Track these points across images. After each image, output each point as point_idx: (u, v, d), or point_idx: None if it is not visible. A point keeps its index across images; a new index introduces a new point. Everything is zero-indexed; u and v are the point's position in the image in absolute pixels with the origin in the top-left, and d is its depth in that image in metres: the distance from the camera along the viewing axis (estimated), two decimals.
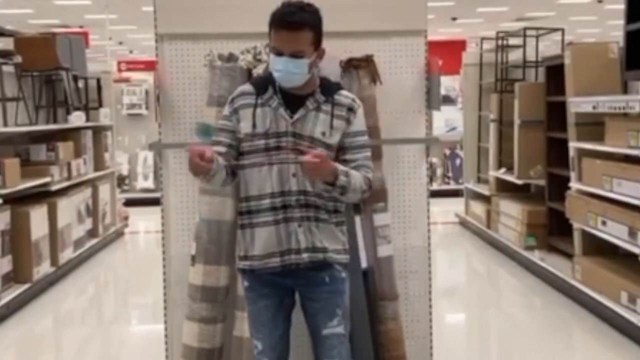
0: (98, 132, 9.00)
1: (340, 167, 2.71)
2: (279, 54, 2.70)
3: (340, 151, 2.80)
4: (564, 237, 6.71)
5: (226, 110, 2.86)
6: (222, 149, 2.79)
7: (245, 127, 2.77)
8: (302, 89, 2.76)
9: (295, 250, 2.76)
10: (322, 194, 2.76)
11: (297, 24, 2.67)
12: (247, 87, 2.85)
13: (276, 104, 2.76)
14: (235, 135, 2.80)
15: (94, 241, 8.37)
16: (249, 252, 2.80)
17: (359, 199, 2.89)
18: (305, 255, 2.76)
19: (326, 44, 2.82)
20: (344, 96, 2.84)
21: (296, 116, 2.75)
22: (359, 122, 2.84)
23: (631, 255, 5.22)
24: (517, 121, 7.65)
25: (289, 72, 2.70)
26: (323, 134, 2.76)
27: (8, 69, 7.07)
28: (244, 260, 2.83)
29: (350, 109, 2.81)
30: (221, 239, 3.61)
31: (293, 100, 2.76)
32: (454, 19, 18.79)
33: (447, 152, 12.68)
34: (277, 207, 2.74)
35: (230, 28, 3.73)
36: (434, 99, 3.81)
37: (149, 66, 13.51)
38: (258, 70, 3.58)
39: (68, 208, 7.43)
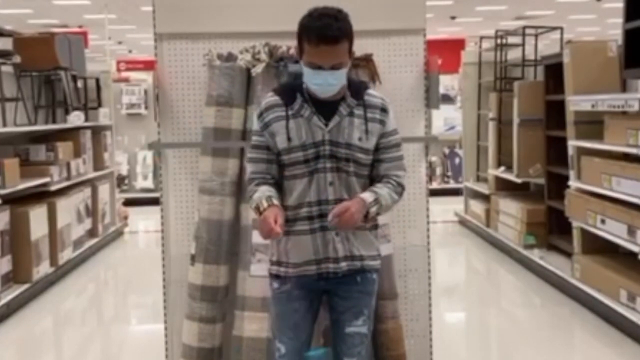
0: (97, 132, 9.00)
1: (368, 198, 2.69)
2: (318, 67, 2.64)
3: (375, 151, 2.78)
4: (563, 236, 6.72)
5: (256, 125, 2.80)
6: (263, 166, 2.76)
7: (280, 141, 2.72)
8: (335, 94, 2.73)
9: (333, 259, 2.74)
10: None
11: (337, 38, 2.61)
12: (274, 98, 2.77)
13: (309, 114, 2.71)
14: (270, 150, 2.76)
15: (93, 241, 8.36)
16: (283, 259, 2.78)
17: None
18: (343, 264, 2.75)
19: None
20: (373, 96, 2.81)
21: (331, 124, 2.71)
22: (392, 121, 2.82)
23: (630, 254, 5.22)
24: (516, 120, 7.65)
25: (328, 84, 2.66)
26: (360, 139, 2.72)
27: (7, 69, 7.08)
28: (277, 265, 2.80)
29: (383, 110, 2.79)
30: (221, 239, 3.61)
31: (324, 107, 2.72)
32: (453, 17, 18.78)
33: (447, 151, 12.68)
34: (313, 216, 2.72)
35: (229, 27, 3.73)
36: (433, 98, 3.81)
37: (148, 66, 13.49)
38: (257, 70, 3.58)
39: (67, 208, 7.43)
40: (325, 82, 2.66)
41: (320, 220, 2.72)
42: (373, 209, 2.70)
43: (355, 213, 2.63)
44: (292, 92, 2.76)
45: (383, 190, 2.74)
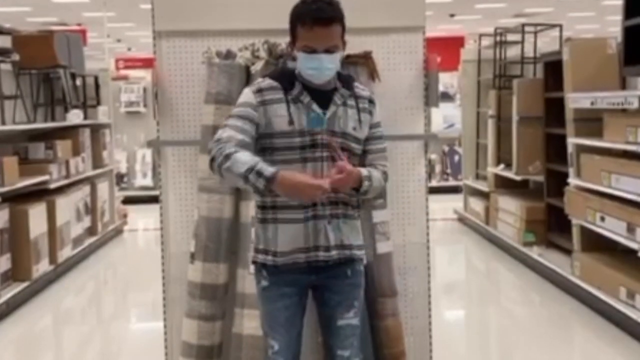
0: (96, 130, 8.99)
1: (363, 171, 2.73)
2: (312, 51, 2.66)
3: (364, 142, 2.82)
4: (562, 233, 6.72)
5: (251, 98, 2.71)
6: (249, 142, 2.68)
7: (279, 123, 2.69)
8: (328, 84, 2.75)
9: (324, 248, 2.74)
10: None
11: (330, 20, 2.65)
12: (272, 81, 2.76)
13: (308, 101, 2.72)
14: (257, 128, 2.71)
15: (92, 239, 8.36)
16: (271, 247, 2.75)
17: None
18: (334, 253, 2.75)
19: None
20: (362, 88, 2.87)
21: (329, 113, 2.73)
22: (378, 113, 2.88)
23: (630, 251, 5.22)
24: (515, 117, 7.65)
25: (324, 68, 2.68)
26: (354, 129, 2.76)
27: (6, 67, 7.08)
28: (263, 254, 2.77)
29: (371, 101, 2.85)
30: (220, 236, 3.61)
31: (319, 96, 2.74)
32: (452, 15, 18.77)
33: (446, 148, 12.69)
34: (307, 205, 2.70)
35: (228, 25, 3.72)
36: (432, 96, 3.81)
37: (147, 64, 13.50)
38: (257, 67, 3.57)
39: (67, 206, 7.42)
40: (321, 66, 2.68)
41: (313, 208, 2.71)
42: (366, 183, 2.72)
43: (352, 173, 2.64)
44: (288, 78, 2.76)
45: (373, 172, 2.79)
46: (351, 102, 2.78)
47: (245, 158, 2.58)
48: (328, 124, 2.72)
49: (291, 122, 2.69)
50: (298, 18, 2.68)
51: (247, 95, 2.75)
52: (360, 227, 2.88)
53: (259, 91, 2.73)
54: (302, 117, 2.71)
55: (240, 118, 2.69)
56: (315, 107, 2.72)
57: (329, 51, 2.67)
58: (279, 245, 2.74)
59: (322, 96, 2.74)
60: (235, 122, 2.69)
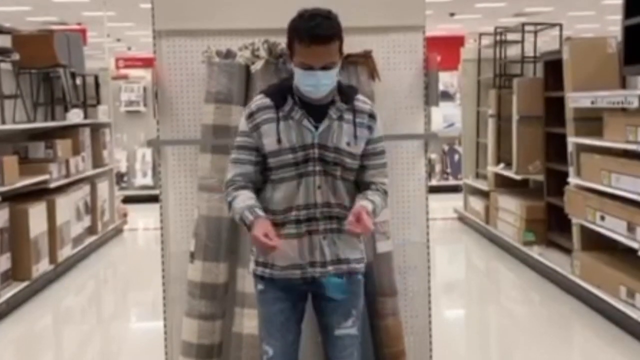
0: (96, 129, 8.99)
1: (369, 207, 2.69)
2: (309, 68, 2.62)
3: (361, 157, 2.78)
4: (562, 232, 6.72)
5: (244, 126, 2.75)
6: (249, 168, 2.73)
7: (269, 143, 2.69)
8: (325, 97, 2.71)
9: (321, 263, 2.73)
10: (344, 204, 2.74)
11: (328, 37, 2.60)
12: (265, 100, 2.74)
13: (299, 116, 2.69)
14: (258, 152, 2.72)
15: (92, 238, 8.36)
16: (269, 260, 2.75)
17: None
18: (330, 268, 2.74)
19: None
20: (363, 102, 2.80)
21: (321, 127, 2.69)
22: (379, 128, 2.83)
23: (630, 250, 5.22)
24: (515, 117, 7.65)
25: (321, 84, 2.64)
26: (348, 144, 2.71)
27: (6, 66, 7.08)
28: (262, 266, 2.78)
29: (371, 116, 2.79)
30: (220, 236, 3.61)
31: (314, 110, 2.70)
32: (452, 14, 18.77)
33: (446, 147, 12.69)
34: (301, 220, 2.69)
35: (228, 24, 3.72)
36: (432, 95, 3.81)
37: (147, 63, 13.50)
38: (256, 67, 3.57)
39: (67, 205, 7.42)
40: (317, 83, 2.64)
41: (307, 224, 2.70)
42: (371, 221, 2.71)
43: (368, 220, 2.64)
44: (282, 93, 2.73)
45: (376, 198, 2.76)
46: (348, 116, 2.74)
47: (238, 205, 2.71)
48: (320, 138, 2.69)
49: (279, 141, 2.68)
50: (295, 34, 2.64)
51: (242, 122, 2.79)
52: (357, 240, 2.83)
53: (251, 116, 2.74)
54: (292, 133, 2.68)
55: (239, 149, 2.77)
56: (306, 122, 2.69)
57: (326, 68, 2.63)
58: (277, 260, 2.74)
59: (317, 110, 2.71)
60: (236, 156, 2.78)
